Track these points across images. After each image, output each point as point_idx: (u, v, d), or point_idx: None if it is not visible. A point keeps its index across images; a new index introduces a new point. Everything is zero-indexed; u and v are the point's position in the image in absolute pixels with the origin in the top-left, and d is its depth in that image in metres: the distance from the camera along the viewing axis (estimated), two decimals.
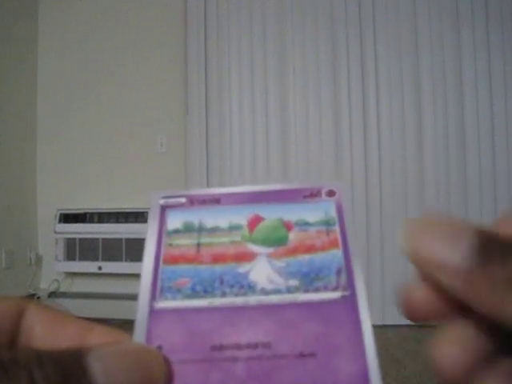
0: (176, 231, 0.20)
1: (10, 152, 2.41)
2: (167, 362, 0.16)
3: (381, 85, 2.20)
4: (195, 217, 0.20)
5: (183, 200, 0.21)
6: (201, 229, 0.20)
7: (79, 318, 0.18)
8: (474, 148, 2.11)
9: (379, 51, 2.20)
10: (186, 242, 0.19)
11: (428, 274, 0.16)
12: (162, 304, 0.17)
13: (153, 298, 0.18)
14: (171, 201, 0.21)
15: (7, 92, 2.41)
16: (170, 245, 0.19)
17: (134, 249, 2.25)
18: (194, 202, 0.21)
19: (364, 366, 0.15)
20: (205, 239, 0.19)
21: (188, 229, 0.20)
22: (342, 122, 2.22)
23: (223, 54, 2.35)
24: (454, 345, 0.16)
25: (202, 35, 2.37)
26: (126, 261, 2.28)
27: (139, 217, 2.29)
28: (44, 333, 0.17)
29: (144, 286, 0.18)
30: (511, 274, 0.14)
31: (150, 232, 0.20)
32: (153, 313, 0.17)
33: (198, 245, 0.19)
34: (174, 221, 0.20)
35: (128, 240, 2.28)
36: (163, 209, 0.20)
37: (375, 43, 2.20)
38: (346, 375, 0.15)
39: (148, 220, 0.20)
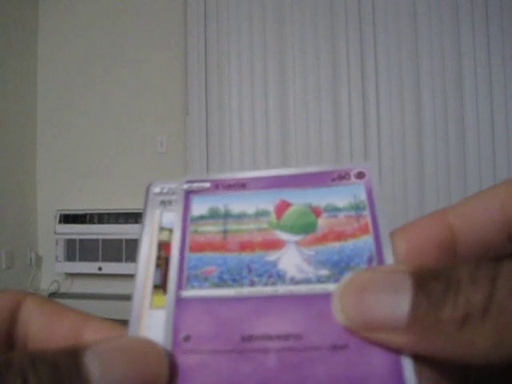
0: (201, 217, 0.19)
1: (10, 152, 2.40)
2: (170, 358, 0.15)
3: (380, 84, 2.20)
4: (221, 202, 0.19)
5: (208, 185, 0.20)
6: (227, 215, 0.19)
7: (76, 310, 0.17)
8: (474, 145, 2.11)
9: (379, 50, 2.20)
10: (211, 228, 0.19)
11: (377, 340, 0.15)
12: (188, 293, 0.17)
13: (179, 286, 0.17)
14: (195, 185, 0.20)
15: (7, 92, 2.40)
16: (196, 231, 0.19)
17: (135, 249, 2.24)
18: (218, 186, 0.20)
19: (397, 357, 0.15)
20: (231, 226, 0.19)
21: (213, 215, 0.19)
22: (342, 122, 2.22)
23: (223, 54, 2.35)
24: None
25: (202, 35, 2.37)
26: (126, 261, 2.27)
27: (139, 217, 2.28)
28: (41, 326, 0.17)
29: (170, 274, 0.18)
30: (461, 312, 0.13)
31: (175, 218, 0.19)
32: (179, 302, 0.17)
33: (225, 232, 0.19)
34: (199, 207, 0.19)
35: (128, 241, 2.28)
36: (187, 194, 0.20)
37: (375, 41, 2.20)
38: (380, 367, 0.15)
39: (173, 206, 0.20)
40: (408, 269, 0.15)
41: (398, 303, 0.14)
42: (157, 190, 0.20)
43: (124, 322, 0.16)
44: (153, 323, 0.16)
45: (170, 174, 2.39)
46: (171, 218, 0.19)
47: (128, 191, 2.41)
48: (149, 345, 0.15)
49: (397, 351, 0.15)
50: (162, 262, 0.18)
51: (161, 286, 0.18)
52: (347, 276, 0.16)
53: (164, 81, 2.45)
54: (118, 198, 2.43)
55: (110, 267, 2.31)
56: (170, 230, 0.19)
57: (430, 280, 0.14)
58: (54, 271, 2.42)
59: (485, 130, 2.11)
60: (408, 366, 0.14)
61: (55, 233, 2.37)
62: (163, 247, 0.19)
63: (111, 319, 0.17)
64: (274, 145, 2.28)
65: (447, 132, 2.14)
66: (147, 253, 0.19)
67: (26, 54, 2.55)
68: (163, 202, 0.20)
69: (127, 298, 2.25)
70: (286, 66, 2.29)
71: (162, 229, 0.19)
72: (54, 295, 2.41)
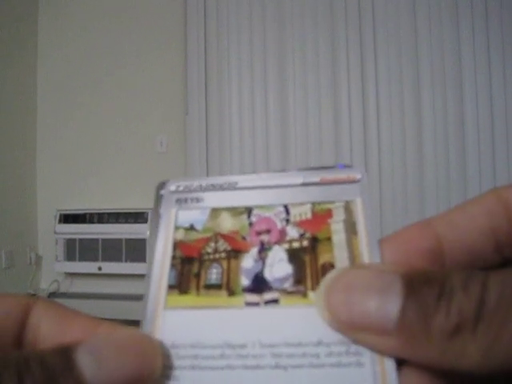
0: None
1: (10, 152, 2.40)
2: (165, 350, 0.15)
3: (380, 85, 2.20)
4: None
5: None
6: None
7: (86, 314, 0.17)
8: (474, 146, 2.11)
9: (379, 50, 2.20)
10: None
11: (363, 341, 0.14)
12: None
13: None
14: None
15: (7, 91, 2.40)
16: None
17: (134, 249, 2.24)
18: None
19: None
20: None
21: None
22: (342, 122, 2.22)
23: (223, 54, 2.35)
24: None
25: (202, 35, 2.36)
26: (126, 261, 2.27)
27: (139, 217, 2.28)
28: (51, 330, 0.16)
29: None
30: (453, 321, 0.13)
31: None
32: None
33: None
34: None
35: (128, 240, 2.27)
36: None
37: (375, 42, 2.20)
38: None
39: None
40: (398, 270, 0.14)
41: (386, 305, 0.14)
42: (172, 187, 0.20)
43: (124, 322, 0.16)
44: (167, 323, 0.16)
45: (170, 173, 2.39)
46: (186, 216, 0.19)
47: (128, 191, 2.41)
48: (141, 337, 0.15)
49: (381, 354, 0.14)
50: (177, 262, 0.18)
51: (176, 287, 0.17)
52: (333, 272, 0.15)
53: (164, 81, 2.45)
54: (117, 197, 2.43)
55: (109, 267, 2.31)
56: (185, 229, 0.19)
57: (422, 285, 0.14)
58: (54, 271, 2.42)
59: (485, 130, 2.11)
60: (390, 367, 0.14)
61: (55, 232, 2.37)
62: (178, 247, 0.18)
63: (113, 319, 0.17)
64: (274, 144, 2.28)
65: (447, 132, 2.14)
66: (162, 252, 0.18)
67: (26, 54, 2.55)
68: (179, 201, 0.19)
69: (127, 297, 2.25)
70: (285, 66, 2.28)
71: (177, 228, 0.19)
72: (53, 295, 2.41)
